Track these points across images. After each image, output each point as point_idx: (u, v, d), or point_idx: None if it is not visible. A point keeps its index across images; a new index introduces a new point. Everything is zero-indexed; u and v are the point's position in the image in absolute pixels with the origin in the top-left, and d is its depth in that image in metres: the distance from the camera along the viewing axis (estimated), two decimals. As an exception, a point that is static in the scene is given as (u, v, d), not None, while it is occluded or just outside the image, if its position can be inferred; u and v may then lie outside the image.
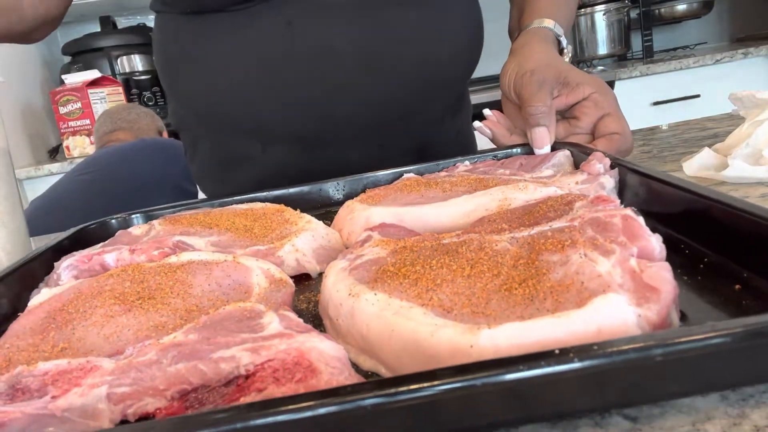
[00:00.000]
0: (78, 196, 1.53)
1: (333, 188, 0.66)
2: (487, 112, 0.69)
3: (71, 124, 2.40)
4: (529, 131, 0.62)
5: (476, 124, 0.68)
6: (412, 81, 0.76)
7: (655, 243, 0.31)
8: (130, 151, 1.63)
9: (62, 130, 2.42)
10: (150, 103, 2.55)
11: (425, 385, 0.22)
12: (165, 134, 1.90)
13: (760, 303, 0.30)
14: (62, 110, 2.39)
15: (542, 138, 0.61)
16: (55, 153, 2.61)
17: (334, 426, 0.22)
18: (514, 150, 0.64)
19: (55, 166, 2.32)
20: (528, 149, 0.63)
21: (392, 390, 0.22)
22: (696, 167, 0.56)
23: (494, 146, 0.69)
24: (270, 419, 0.22)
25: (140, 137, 1.75)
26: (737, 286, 0.32)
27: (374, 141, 0.78)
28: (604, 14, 2.55)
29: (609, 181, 0.48)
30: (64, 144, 2.44)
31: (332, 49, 0.71)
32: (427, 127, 0.82)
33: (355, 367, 0.30)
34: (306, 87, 0.72)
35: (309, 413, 0.22)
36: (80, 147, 2.41)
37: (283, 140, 0.64)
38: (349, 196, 0.65)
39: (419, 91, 0.77)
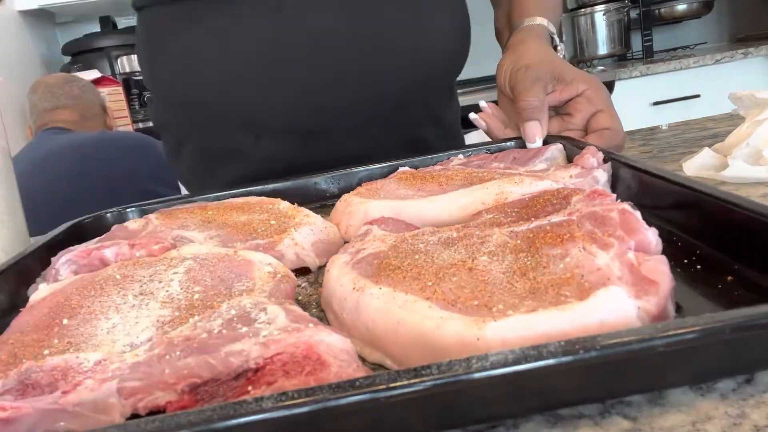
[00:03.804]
0: (43, 197, 1.38)
1: (328, 182, 0.66)
2: (482, 104, 0.70)
3: (71, 124, 2.41)
4: (522, 125, 0.63)
5: (472, 115, 0.69)
6: (405, 73, 0.75)
7: (652, 236, 0.32)
8: (92, 148, 1.50)
9: (62, 131, 2.43)
10: (150, 104, 2.54)
11: (441, 376, 0.22)
12: (109, 112, 1.80)
13: (752, 294, 0.32)
14: (62, 111, 2.40)
15: (534, 132, 0.62)
16: (55, 153, 2.61)
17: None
18: (508, 143, 0.65)
19: (54, 167, 2.32)
20: (521, 143, 0.64)
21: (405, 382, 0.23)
22: (696, 167, 0.57)
23: (488, 139, 0.70)
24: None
25: (84, 115, 1.64)
26: (729, 278, 0.34)
27: (367, 134, 0.78)
28: (604, 14, 2.55)
29: (602, 175, 0.49)
30: (64, 145, 2.44)
31: (324, 37, 0.69)
32: (419, 121, 0.83)
33: (361, 359, 0.31)
34: (299, 76, 0.70)
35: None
36: (80, 148, 2.42)
37: (276, 132, 0.64)
38: (345, 190, 0.65)
39: (412, 83, 0.77)
